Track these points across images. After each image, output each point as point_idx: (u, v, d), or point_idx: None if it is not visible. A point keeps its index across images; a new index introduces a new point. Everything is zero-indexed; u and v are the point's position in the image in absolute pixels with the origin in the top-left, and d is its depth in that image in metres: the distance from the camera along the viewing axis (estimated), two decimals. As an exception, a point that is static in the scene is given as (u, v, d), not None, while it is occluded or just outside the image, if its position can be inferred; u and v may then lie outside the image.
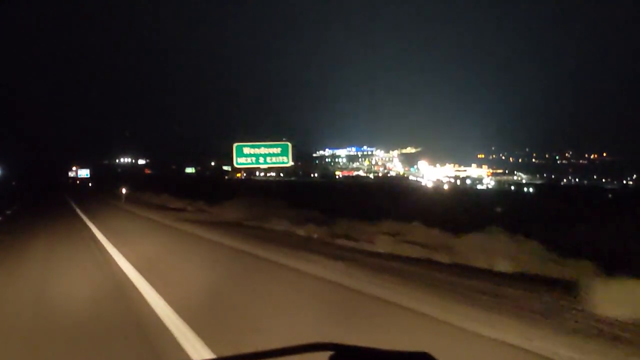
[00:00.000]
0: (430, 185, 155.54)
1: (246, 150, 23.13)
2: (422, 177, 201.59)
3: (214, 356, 5.27)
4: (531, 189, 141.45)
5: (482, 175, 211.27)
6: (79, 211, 30.77)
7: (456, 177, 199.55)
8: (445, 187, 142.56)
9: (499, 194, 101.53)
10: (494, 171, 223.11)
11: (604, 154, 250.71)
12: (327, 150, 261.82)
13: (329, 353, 1.14)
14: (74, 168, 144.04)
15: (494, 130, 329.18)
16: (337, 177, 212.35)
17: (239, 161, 23.29)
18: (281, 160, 23.41)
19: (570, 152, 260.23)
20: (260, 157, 23.24)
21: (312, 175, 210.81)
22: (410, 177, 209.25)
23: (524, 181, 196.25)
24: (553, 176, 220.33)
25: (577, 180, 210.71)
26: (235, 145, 23.24)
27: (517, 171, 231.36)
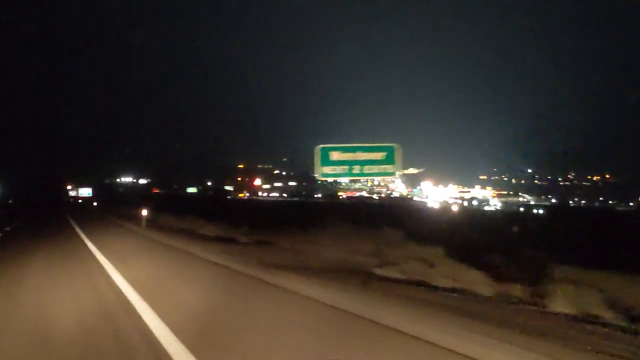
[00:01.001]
0: (436, 206, 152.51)
1: (335, 156, 18.00)
2: (427, 198, 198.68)
3: None
4: (540, 211, 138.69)
5: (487, 197, 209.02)
6: (90, 244, 22.01)
7: (461, 198, 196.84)
8: (455, 208, 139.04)
9: (533, 217, 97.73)
10: (499, 192, 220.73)
11: (607, 176, 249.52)
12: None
13: None
14: (69, 187, 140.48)
15: (495, 152, 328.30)
16: (340, 197, 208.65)
17: (325, 171, 17.86)
18: (384, 171, 18.50)
19: (573, 174, 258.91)
20: (356, 166, 18.08)
21: (315, 195, 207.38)
22: (415, 198, 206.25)
23: (532, 202, 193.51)
24: (560, 198, 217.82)
25: (584, 202, 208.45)
26: (318, 148, 18.03)
27: (521, 192, 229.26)
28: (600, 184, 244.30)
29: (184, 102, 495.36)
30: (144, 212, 37.57)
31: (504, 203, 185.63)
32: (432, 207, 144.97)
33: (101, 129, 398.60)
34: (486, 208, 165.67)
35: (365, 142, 19.51)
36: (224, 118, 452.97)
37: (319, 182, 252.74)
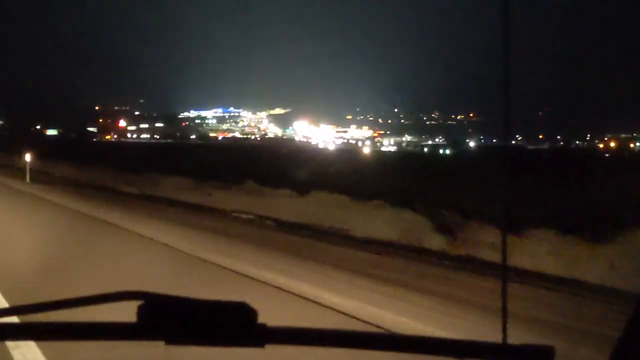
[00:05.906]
0: (331, 147, 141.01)
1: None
2: (311, 139, 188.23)
3: None
4: (447, 151, 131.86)
5: (367, 137, 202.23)
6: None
7: (342, 139, 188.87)
8: (366, 150, 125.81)
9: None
10: (379, 132, 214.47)
11: (470, 114, 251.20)
12: (191, 111, 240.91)
13: (138, 303, 0.97)
14: None
15: (358, 91, 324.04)
16: (218, 139, 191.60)
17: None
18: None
19: (437, 113, 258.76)
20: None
21: (190, 137, 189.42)
22: (296, 139, 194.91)
23: (430, 142, 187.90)
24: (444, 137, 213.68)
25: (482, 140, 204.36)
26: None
27: (389, 132, 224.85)
28: (465, 122, 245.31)
29: (33, 41, 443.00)
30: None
31: (397, 144, 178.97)
32: (326, 149, 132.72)
33: None
34: (383, 149, 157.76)
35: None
36: (75, 57, 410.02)
37: (187, 122, 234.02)
